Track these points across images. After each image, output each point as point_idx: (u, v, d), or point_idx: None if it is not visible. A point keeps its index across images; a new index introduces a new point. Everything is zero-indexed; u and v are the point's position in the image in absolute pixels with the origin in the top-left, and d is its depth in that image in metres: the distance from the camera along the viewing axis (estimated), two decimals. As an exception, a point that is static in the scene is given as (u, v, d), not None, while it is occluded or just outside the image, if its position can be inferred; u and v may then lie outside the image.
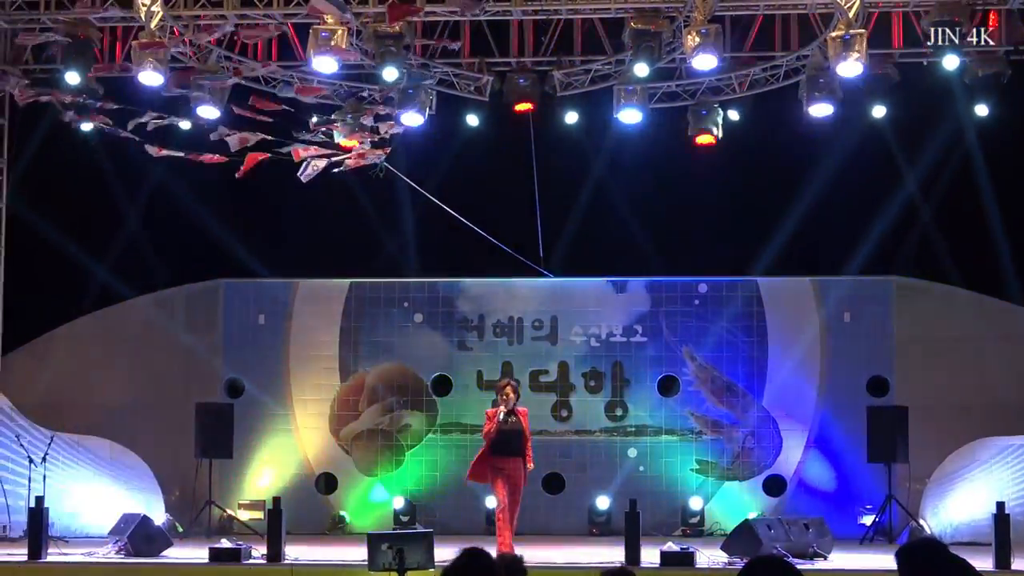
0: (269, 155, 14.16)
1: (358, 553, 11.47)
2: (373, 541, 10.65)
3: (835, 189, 16.49)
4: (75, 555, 13.04)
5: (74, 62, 14.10)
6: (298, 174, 14.28)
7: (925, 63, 14.71)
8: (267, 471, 17.13)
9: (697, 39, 13.33)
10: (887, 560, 10.92)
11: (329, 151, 14.29)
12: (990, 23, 14.16)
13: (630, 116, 15.33)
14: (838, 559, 12.76)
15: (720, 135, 15.51)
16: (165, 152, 14.11)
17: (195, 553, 12.97)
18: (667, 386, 17.11)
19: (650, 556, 12.20)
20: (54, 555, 12.77)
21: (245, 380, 17.26)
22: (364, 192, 16.14)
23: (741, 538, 12.58)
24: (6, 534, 14.75)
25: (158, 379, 17.14)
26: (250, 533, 15.06)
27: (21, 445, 14.53)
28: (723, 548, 12.66)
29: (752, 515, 15.14)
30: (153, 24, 13.52)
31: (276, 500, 12.79)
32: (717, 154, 15.92)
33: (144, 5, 13.43)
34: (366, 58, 14.43)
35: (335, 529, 16.78)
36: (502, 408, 12.57)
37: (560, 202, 16.81)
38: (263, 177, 14.27)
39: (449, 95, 15.66)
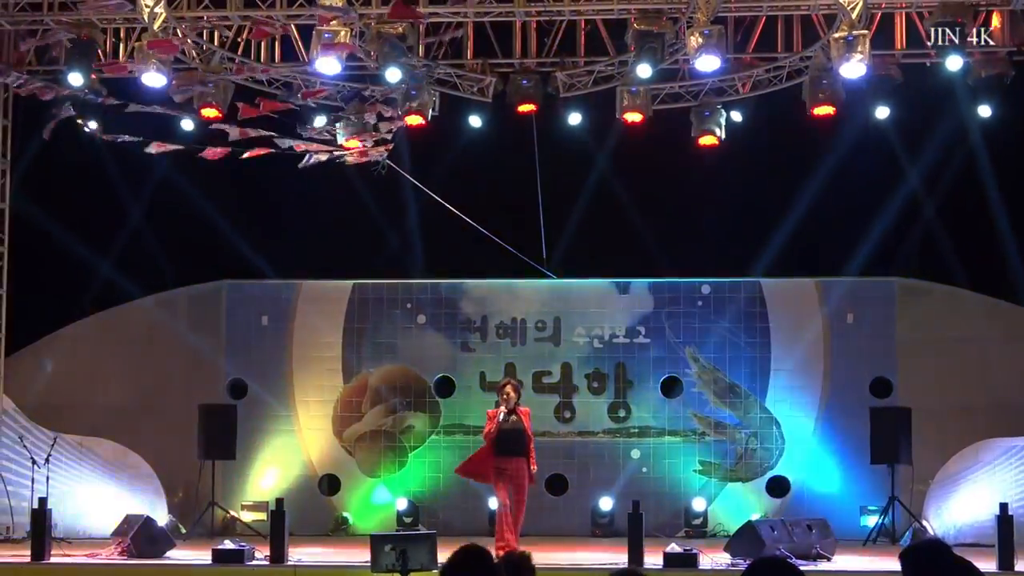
0: (272, 150, 14.19)
1: (361, 554, 11.47)
2: (376, 542, 10.65)
3: (838, 190, 16.49)
4: (78, 556, 13.05)
5: (77, 63, 14.09)
6: (299, 165, 14.27)
7: (928, 64, 14.66)
8: (270, 472, 17.13)
9: (700, 40, 13.29)
10: (891, 562, 10.84)
11: (331, 147, 14.31)
12: (993, 24, 14.14)
13: (633, 117, 15.31)
14: (841, 561, 12.77)
15: (723, 136, 15.48)
16: (165, 148, 14.10)
17: (198, 554, 12.99)
18: (670, 387, 17.10)
19: (653, 557, 12.19)
20: (57, 556, 12.79)
21: (248, 381, 17.26)
22: (368, 194, 16.15)
23: (744, 539, 12.58)
24: (9, 535, 14.75)
25: (161, 380, 17.13)
26: (253, 534, 15.06)
27: (24, 446, 14.57)
28: (726, 549, 12.67)
29: (755, 516, 15.15)
30: (156, 25, 13.51)
31: (279, 501, 12.80)
32: (720, 155, 15.88)
33: (147, 6, 13.42)
34: (369, 59, 14.43)
35: (338, 530, 16.76)
36: (503, 408, 12.57)
37: (563, 203, 16.81)
38: (267, 178, 14.28)
39: (452, 96, 15.63)
